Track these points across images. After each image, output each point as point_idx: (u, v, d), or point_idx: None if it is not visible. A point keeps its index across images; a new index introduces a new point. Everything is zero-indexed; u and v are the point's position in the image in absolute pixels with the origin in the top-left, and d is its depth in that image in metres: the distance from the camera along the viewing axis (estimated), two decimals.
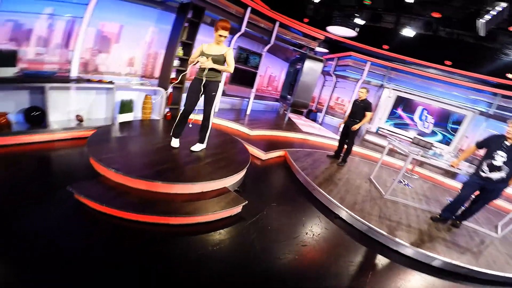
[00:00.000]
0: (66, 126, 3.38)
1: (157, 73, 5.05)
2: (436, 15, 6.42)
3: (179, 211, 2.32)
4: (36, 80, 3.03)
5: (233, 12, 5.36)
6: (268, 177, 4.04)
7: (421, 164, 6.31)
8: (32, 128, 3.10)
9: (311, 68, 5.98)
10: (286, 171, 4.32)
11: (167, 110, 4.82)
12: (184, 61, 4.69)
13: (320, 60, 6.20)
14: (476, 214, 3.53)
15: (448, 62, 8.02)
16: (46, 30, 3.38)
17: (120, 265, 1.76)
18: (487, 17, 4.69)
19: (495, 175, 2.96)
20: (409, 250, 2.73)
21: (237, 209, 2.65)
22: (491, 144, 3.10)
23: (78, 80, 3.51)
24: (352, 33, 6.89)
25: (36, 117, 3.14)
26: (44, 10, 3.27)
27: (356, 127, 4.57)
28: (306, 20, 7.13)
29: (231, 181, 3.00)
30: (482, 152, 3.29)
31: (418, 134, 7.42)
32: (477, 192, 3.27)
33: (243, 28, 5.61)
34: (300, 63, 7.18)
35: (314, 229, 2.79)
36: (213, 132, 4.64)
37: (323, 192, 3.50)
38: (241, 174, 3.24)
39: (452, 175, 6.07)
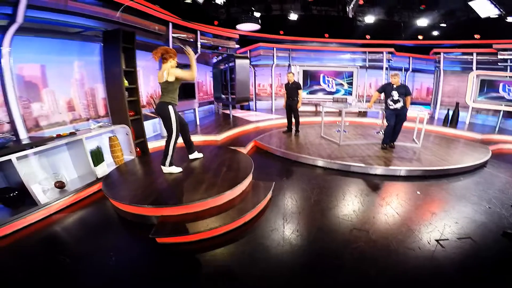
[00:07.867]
0: (53, 196, 2.92)
1: (101, 111, 4.63)
2: None
3: (239, 213, 2.70)
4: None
5: (156, 31, 5.37)
6: (260, 165, 4.64)
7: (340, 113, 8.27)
8: (19, 212, 2.58)
9: (241, 66, 6.70)
10: (264, 155, 5.10)
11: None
12: (131, 90, 4.45)
13: (246, 58, 7.01)
14: (399, 135, 5.08)
15: (326, 35, 10.39)
16: None
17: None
18: (352, 5, 6.75)
19: (398, 105, 4.66)
20: (379, 170, 4.00)
21: (270, 192, 3.20)
22: (386, 89, 4.81)
23: (40, 141, 2.95)
24: (257, 26, 7.96)
25: (15, 198, 2.64)
26: None
27: (299, 105, 5.83)
28: (216, 22, 7.69)
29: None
30: (382, 96, 5.00)
31: (326, 94, 9.55)
32: None
33: (171, 44, 5.70)
34: (224, 64, 7.78)
35: (319, 182, 3.77)
36: (198, 148, 4.66)
37: (305, 156, 4.51)
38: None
39: (363, 115, 8.31)
